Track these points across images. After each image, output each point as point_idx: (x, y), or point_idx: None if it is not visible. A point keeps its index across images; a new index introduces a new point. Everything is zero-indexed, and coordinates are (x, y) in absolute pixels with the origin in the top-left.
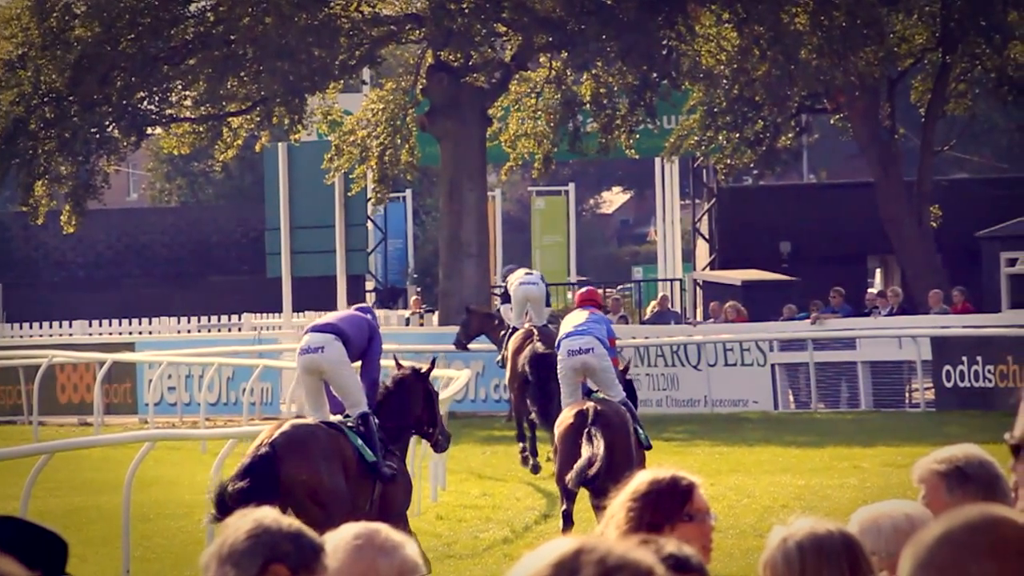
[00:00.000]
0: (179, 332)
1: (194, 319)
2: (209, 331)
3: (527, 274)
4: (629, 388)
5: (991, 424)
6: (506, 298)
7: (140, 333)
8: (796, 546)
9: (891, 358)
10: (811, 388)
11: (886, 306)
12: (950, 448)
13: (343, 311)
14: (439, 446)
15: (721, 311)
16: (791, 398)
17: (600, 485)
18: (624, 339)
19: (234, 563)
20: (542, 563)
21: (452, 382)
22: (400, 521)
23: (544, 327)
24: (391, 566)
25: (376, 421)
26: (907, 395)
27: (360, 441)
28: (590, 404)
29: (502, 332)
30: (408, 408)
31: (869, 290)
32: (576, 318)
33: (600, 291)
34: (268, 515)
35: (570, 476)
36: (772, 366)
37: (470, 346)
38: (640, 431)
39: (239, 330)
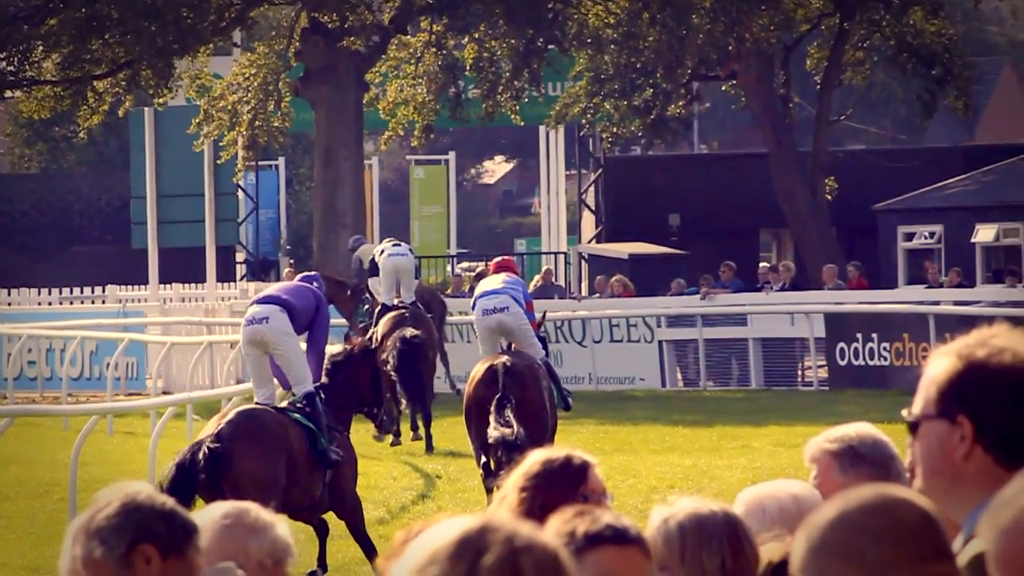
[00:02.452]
0: (40, 304)
1: (56, 291)
2: (72, 303)
3: (394, 245)
4: (543, 345)
5: (886, 403)
6: (373, 270)
7: None
8: (677, 527)
9: (783, 335)
10: (700, 365)
11: (778, 281)
12: (843, 427)
13: (288, 282)
14: (383, 427)
15: (607, 285)
16: (679, 375)
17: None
18: None
19: (101, 539)
20: (446, 540)
21: None
22: (352, 500)
23: (414, 305)
24: (261, 547)
25: (322, 398)
26: (799, 373)
27: (312, 426)
28: (502, 359)
29: (367, 306)
30: (354, 386)
31: (761, 264)
32: (492, 281)
33: (483, 265)
34: (142, 491)
35: (492, 436)
36: (660, 342)
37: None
38: (560, 390)
39: (103, 302)
